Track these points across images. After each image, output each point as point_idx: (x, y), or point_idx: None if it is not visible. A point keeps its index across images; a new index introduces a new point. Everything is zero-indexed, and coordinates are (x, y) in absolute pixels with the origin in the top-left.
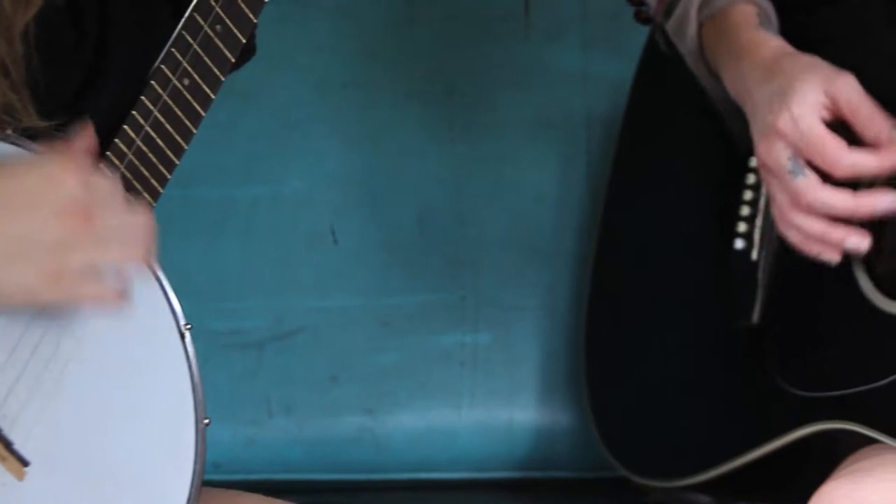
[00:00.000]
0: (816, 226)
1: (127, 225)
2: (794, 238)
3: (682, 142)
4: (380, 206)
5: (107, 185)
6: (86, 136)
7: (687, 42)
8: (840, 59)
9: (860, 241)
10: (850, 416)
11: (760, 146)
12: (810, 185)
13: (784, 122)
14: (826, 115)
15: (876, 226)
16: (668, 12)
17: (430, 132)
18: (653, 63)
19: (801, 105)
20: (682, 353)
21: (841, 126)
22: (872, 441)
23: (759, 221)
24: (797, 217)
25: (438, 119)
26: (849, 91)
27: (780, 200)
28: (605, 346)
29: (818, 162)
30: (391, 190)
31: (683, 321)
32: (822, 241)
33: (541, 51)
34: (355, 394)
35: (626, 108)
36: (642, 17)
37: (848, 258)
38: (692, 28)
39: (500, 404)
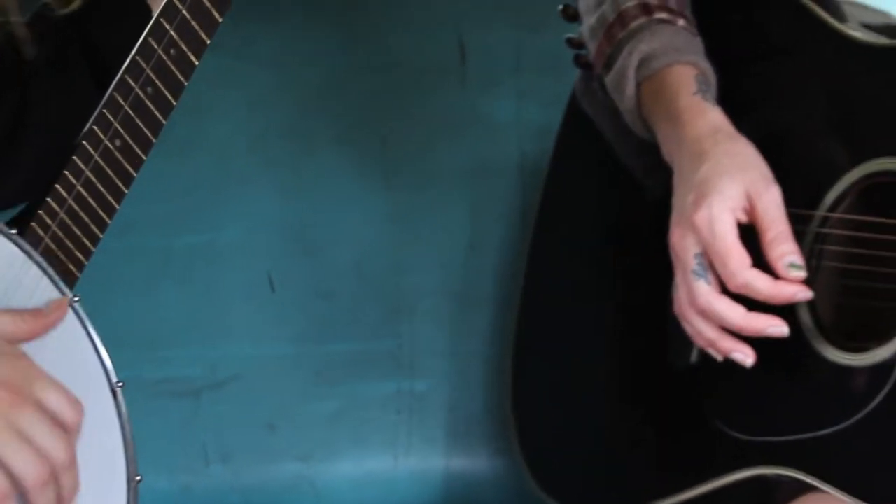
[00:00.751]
0: (707, 331)
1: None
2: (687, 330)
3: (608, 184)
4: (316, 255)
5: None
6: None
7: (625, 100)
8: (769, 114)
9: (745, 357)
10: (790, 462)
11: (675, 231)
12: (709, 292)
13: (701, 218)
14: (742, 217)
15: (820, 278)
16: (608, 65)
17: (366, 181)
18: (577, 112)
19: (720, 206)
20: (614, 395)
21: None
22: (811, 488)
23: None
24: (692, 315)
25: (375, 168)
26: (769, 204)
27: (681, 292)
28: (535, 390)
29: (718, 268)
30: (328, 238)
31: (615, 363)
32: (710, 346)
33: (476, 100)
34: (292, 441)
35: (552, 155)
36: (581, 62)
37: (794, 307)
38: (630, 87)
39: (437, 452)
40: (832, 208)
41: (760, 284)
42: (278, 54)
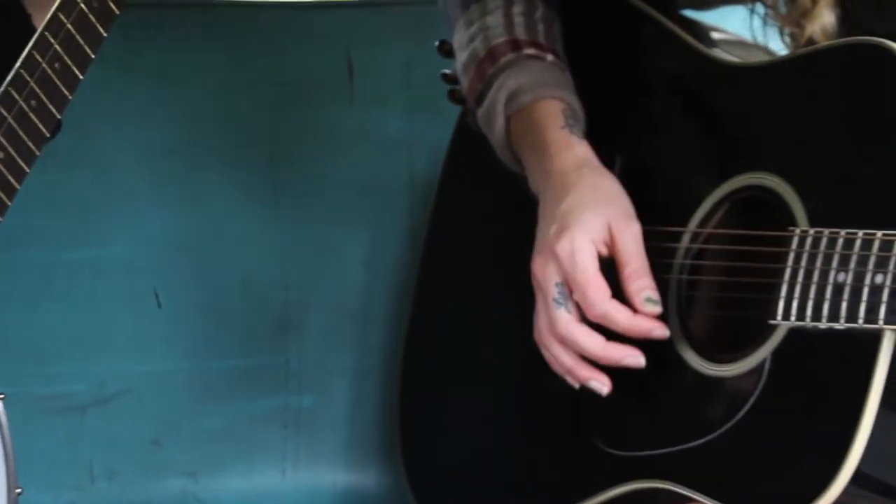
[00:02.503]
0: (565, 358)
1: None
2: (546, 356)
3: (494, 204)
4: (203, 270)
5: None
6: None
7: (495, 135)
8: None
9: (601, 387)
10: (665, 476)
11: (537, 260)
12: (568, 321)
13: (563, 248)
14: (603, 250)
15: (690, 294)
16: (480, 101)
17: (253, 196)
18: (467, 129)
19: (582, 238)
20: (498, 414)
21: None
22: (689, 501)
23: None
24: (551, 343)
25: (263, 183)
26: (629, 239)
27: (541, 319)
28: (420, 407)
29: (578, 298)
30: (215, 254)
31: (499, 383)
32: (567, 373)
33: (365, 116)
34: (179, 457)
35: (442, 171)
36: (456, 98)
37: (665, 318)
38: (499, 122)
39: (325, 466)
40: (702, 224)
41: (618, 316)
42: (166, 68)
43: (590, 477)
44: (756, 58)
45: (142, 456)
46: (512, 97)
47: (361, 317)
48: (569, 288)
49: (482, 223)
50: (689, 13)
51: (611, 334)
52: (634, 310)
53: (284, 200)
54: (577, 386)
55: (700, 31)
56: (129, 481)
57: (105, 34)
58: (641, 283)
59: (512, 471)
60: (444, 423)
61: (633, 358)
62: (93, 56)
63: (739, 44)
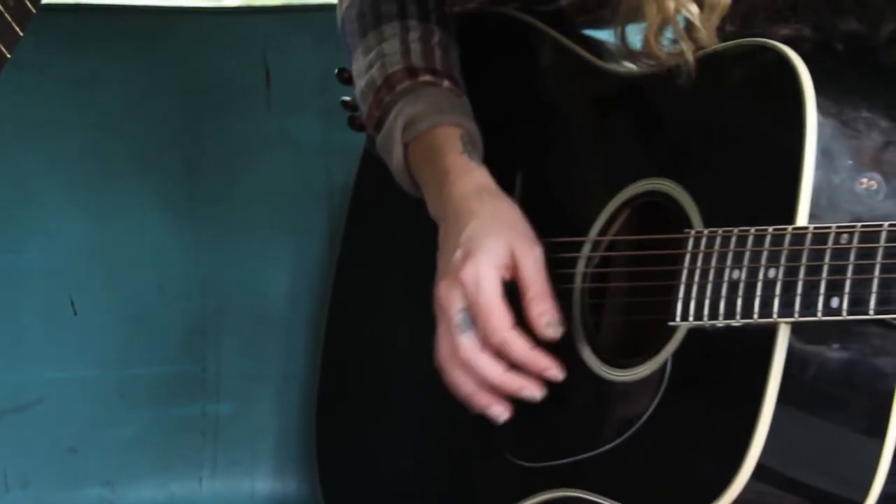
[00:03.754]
0: (466, 385)
1: None
2: (446, 381)
3: (407, 212)
4: (119, 277)
5: None
6: None
7: (393, 162)
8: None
9: (501, 413)
10: (574, 483)
11: (441, 284)
12: (471, 347)
13: (467, 274)
14: (506, 275)
15: (596, 301)
16: (378, 128)
17: (170, 202)
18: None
19: (487, 264)
20: (411, 425)
21: None
22: None
23: None
24: (452, 368)
25: (178, 189)
26: (531, 264)
27: (442, 344)
28: (335, 416)
29: (480, 324)
30: (131, 260)
31: (410, 395)
32: (467, 399)
33: (282, 122)
34: (95, 465)
35: (356, 178)
36: (356, 125)
37: (569, 326)
38: (397, 149)
39: (242, 474)
40: (602, 233)
41: (517, 347)
42: (81, 74)
43: (500, 490)
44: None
45: (57, 464)
46: (409, 124)
47: (281, 323)
48: (472, 314)
49: (395, 230)
50: (587, 31)
51: None
52: (536, 339)
53: (201, 206)
54: (474, 412)
55: (595, 46)
56: (45, 490)
57: (21, 34)
58: (542, 308)
59: (424, 484)
60: (358, 434)
61: (530, 391)
62: (9, 56)
63: (633, 54)
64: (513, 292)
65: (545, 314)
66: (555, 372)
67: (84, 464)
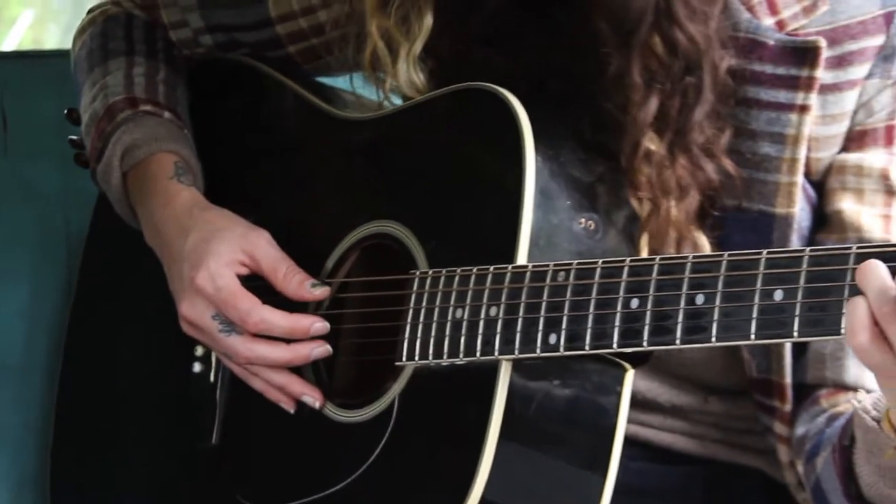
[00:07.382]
0: (257, 382)
1: None
2: (257, 387)
3: (140, 256)
4: None
5: None
6: None
7: (112, 190)
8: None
9: (314, 401)
10: None
11: (183, 303)
12: (243, 343)
13: (202, 279)
14: (244, 270)
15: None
16: (98, 158)
17: None
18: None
19: (217, 263)
20: (144, 472)
21: None
22: None
23: None
24: (248, 376)
25: None
26: (264, 249)
27: (222, 358)
28: (70, 464)
29: (232, 317)
30: None
31: (147, 439)
32: (279, 398)
33: (19, 168)
34: None
35: (90, 225)
36: (81, 161)
37: (300, 371)
38: (116, 177)
39: None
40: (331, 275)
41: (277, 318)
42: None
43: None
44: (378, 112)
45: None
46: (127, 152)
47: (14, 370)
48: (222, 312)
49: (128, 274)
50: (321, 79)
51: None
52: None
53: None
54: (291, 411)
55: (325, 92)
56: None
57: None
58: (299, 277)
59: None
60: (93, 482)
61: (320, 349)
62: None
63: (363, 104)
64: (264, 292)
65: (305, 280)
66: (321, 325)
67: None
